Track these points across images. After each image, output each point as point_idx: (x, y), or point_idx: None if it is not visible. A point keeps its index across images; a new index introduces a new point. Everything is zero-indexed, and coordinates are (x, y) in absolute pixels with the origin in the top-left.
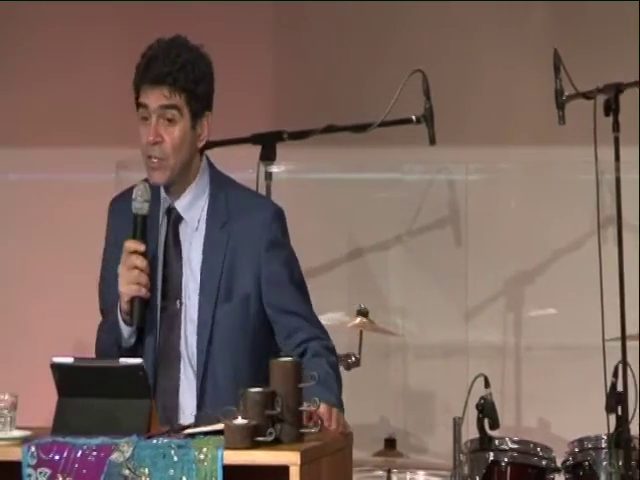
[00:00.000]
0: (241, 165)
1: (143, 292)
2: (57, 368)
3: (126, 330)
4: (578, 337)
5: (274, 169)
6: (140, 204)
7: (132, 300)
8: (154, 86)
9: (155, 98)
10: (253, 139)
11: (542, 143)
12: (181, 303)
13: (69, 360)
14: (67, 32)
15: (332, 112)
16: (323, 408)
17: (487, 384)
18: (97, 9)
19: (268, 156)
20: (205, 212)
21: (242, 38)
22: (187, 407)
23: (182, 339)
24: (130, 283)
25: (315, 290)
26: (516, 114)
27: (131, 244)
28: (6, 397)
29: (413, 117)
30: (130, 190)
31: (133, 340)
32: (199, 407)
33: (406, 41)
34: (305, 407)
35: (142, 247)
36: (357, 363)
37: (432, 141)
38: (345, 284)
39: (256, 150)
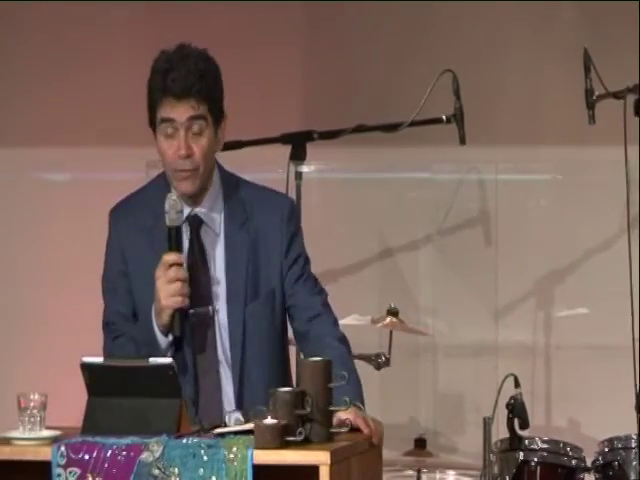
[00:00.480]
0: (271, 165)
1: (186, 303)
2: (87, 368)
3: (165, 343)
4: (608, 337)
5: (304, 169)
6: (174, 216)
7: (173, 312)
8: (181, 99)
9: (183, 111)
10: (283, 139)
11: (572, 143)
12: (212, 309)
13: (99, 360)
14: (97, 31)
15: (362, 112)
16: (360, 419)
17: (517, 384)
18: (126, 8)
19: (298, 156)
20: (223, 214)
21: (273, 38)
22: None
23: (219, 344)
24: (173, 296)
25: (345, 290)
26: (546, 114)
27: (170, 257)
28: (36, 397)
29: (443, 117)
30: (130, 198)
31: (171, 353)
32: (239, 408)
33: (436, 41)
34: (335, 407)
35: (182, 259)
36: (387, 363)
37: (462, 141)
38: (375, 284)
39: (286, 150)
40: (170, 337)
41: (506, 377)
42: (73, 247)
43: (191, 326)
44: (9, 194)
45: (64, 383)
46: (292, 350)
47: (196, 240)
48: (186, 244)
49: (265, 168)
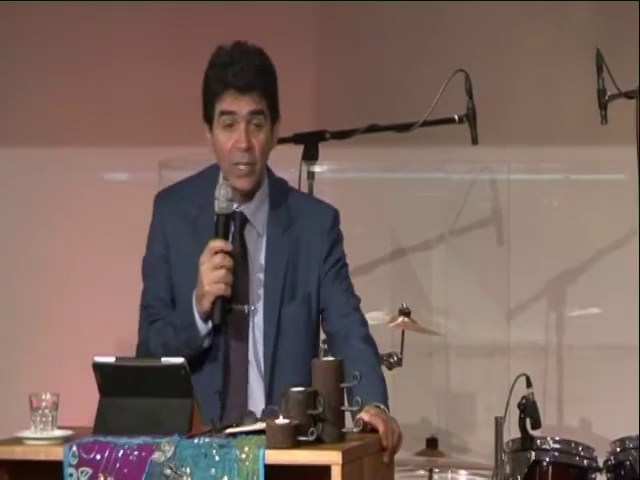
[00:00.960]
0: (284, 165)
1: (228, 291)
2: (99, 368)
3: (204, 329)
4: (620, 336)
5: (316, 169)
6: (224, 203)
7: (215, 299)
8: (244, 92)
9: (245, 104)
10: (295, 139)
11: (584, 142)
12: (249, 308)
13: (111, 360)
14: (112, 31)
15: (374, 112)
16: (383, 426)
17: (529, 384)
18: (141, 9)
19: (311, 156)
20: (267, 216)
21: (285, 39)
22: (257, 412)
23: (250, 344)
24: (217, 282)
25: (357, 289)
26: (558, 113)
27: (217, 243)
28: (47, 397)
29: (456, 117)
30: (177, 186)
31: (208, 342)
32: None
33: (449, 41)
34: (347, 407)
35: (228, 246)
36: (399, 363)
37: (474, 141)
38: (387, 283)
39: (298, 150)
40: (210, 324)
41: (518, 377)
42: (85, 247)
43: (227, 323)
44: (18, 194)
45: (76, 383)
46: None
47: (239, 238)
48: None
49: (277, 168)
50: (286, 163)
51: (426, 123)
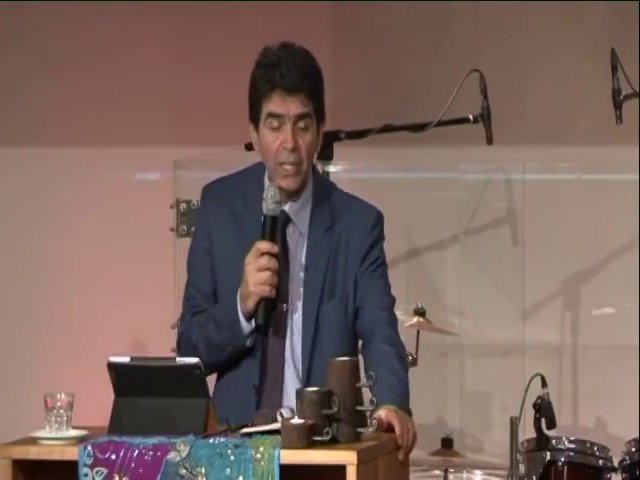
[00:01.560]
0: None
1: (273, 293)
2: (114, 368)
3: (247, 328)
4: (635, 336)
5: (331, 168)
6: (272, 205)
7: (259, 300)
8: (291, 94)
9: (293, 106)
10: None
11: (599, 142)
12: (288, 307)
13: (126, 360)
14: (126, 31)
15: (389, 112)
16: (399, 425)
17: (544, 383)
18: (157, 8)
19: (326, 155)
20: (310, 216)
21: (299, 38)
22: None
23: (287, 343)
24: (262, 284)
25: None
26: (573, 113)
27: (264, 245)
28: (62, 397)
29: (470, 116)
30: (225, 180)
31: (251, 341)
32: None
33: (463, 40)
34: (362, 407)
35: (275, 248)
36: (414, 362)
37: (489, 140)
38: (402, 283)
39: None
40: (253, 324)
41: (533, 377)
42: (101, 246)
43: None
44: (34, 194)
45: (91, 383)
46: None
47: (280, 237)
48: None
49: None
50: None
51: (441, 123)
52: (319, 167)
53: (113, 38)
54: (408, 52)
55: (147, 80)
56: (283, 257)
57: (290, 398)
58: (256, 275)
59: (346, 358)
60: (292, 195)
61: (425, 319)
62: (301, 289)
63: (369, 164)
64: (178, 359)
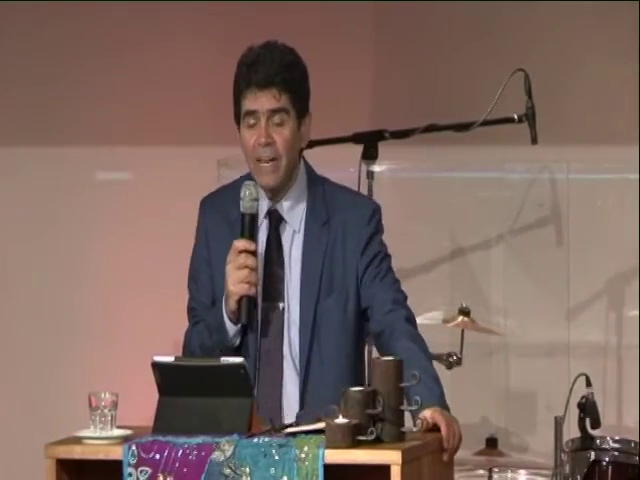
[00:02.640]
0: (343, 164)
1: (252, 291)
2: (158, 367)
3: (232, 330)
4: None
5: (376, 168)
6: (248, 203)
7: (240, 299)
8: (263, 89)
9: (265, 101)
10: (355, 138)
11: None
12: (283, 305)
13: (170, 359)
14: (167, 31)
15: (433, 111)
16: (445, 427)
17: (588, 383)
18: (198, 8)
19: (370, 155)
20: (305, 213)
21: (343, 38)
22: (290, 408)
23: (285, 340)
24: (240, 282)
25: (417, 289)
26: (618, 113)
27: (241, 243)
28: (107, 396)
29: (515, 116)
30: (221, 190)
31: (237, 341)
32: (302, 407)
33: (508, 40)
34: (406, 407)
35: (252, 246)
36: (458, 362)
37: (534, 140)
38: (447, 283)
39: (357, 149)
40: (239, 325)
41: (577, 376)
42: (143, 247)
43: (260, 320)
44: (79, 194)
45: (135, 382)
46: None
47: (274, 235)
48: (264, 238)
49: (337, 167)
50: (345, 163)
51: (485, 123)
52: (363, 167)
53: (163, 38)
54: (453, 52)
55: (191, 79)
56: (277, 255)
57: (289, 394)
58: (235, 274)
59: (390, 358)
60: (279, 192)
61: (470, 319)
62: (298, 286)
63: (413, 164)
64: (222, 359)
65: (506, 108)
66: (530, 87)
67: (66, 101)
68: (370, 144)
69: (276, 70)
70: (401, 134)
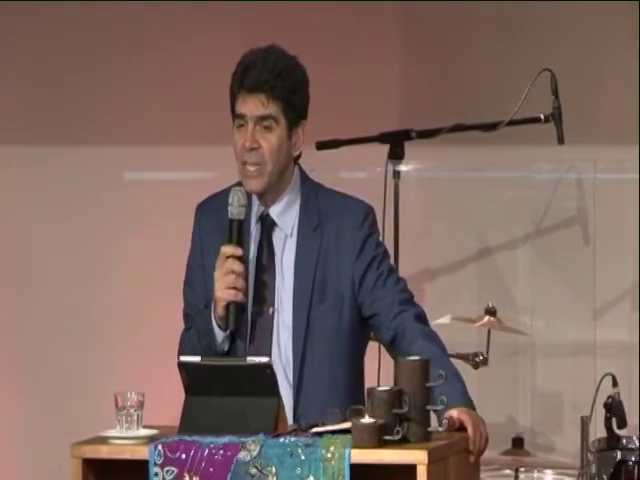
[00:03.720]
0: (369, 164)
1: (240, 297)
2: (185, 367)
3: (220, 336)
4: None
5: (402, 168)
6: (236, 209)
7: (228, 305)
8: (251, 93)
9: (253, 106)
10: (381, 138)
11: None
12: (274, 309)
13: (196, 359)
14: (191, 30)
15: (460, 111)
16: (472, 428)
17: (615, 383)
18: (221, 7)
19: (396, 155)
20: (298, 218)
21: (370, 38)
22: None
23: (275, 347)
24: (227, 288)
25: (443, 288)
26: None
27: (228, 249)
28: (133, 396)
29: (542, 116)
30: (217, 195)
31: (226, 346)
32: (295, 413)
33: (534, 40)
34: (432, 407)
35: (239, 251)
36: (485, 362)
37: (560, 140)
38: (474, 283)
39: (383, 149)
40: (228, 331)
41: (604, 376)
42: (168, 247)
43: (250, 325)
44: (107, 194)
45: (161, 382)
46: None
47: (266, 240)
48: (255, 243)
49: (363, 167)
50: (372, 162)
51: (512, 122)
52: (390, 166)
53: (180, 38)
54: (479, 51)
55: (221, 79)
56: (268, 260)
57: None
58: (222, 279)
59: (416, 357)
60: (268, 197)
61: (496, 318)
62: (290, 291)
63: (440, 163)
64: (249, 358)
65: (533, 108)
66: (557, 87)
67: (95, 101)
68: (396, 144)
69: (266, 76)
70: (428, 134)
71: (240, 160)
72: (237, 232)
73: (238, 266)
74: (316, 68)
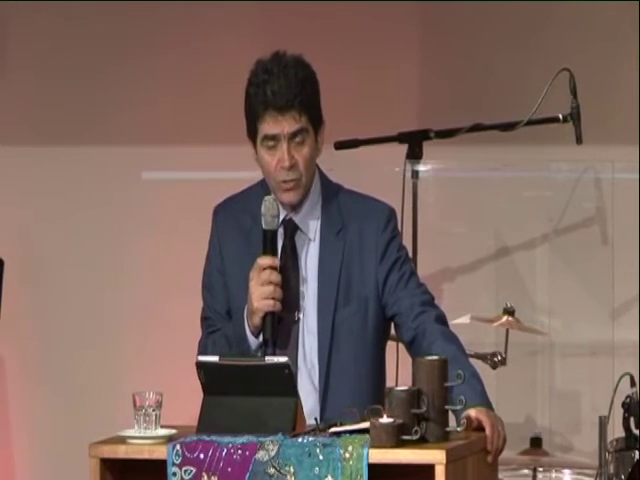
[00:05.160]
0: (388, 164)
1: (277, 307)
2: (203, 367)
3: (254, 343)
4: None
5: (421, 167)
6: (270, 219)
7: (265, 315)
8: (283, 112)
9: (286, 125)
10: (400, 138)
11: None
12: (299, 315)
13: (215, 359)
14: (212, 31)
15: (478, 110)
16: (490, 428)
17: (633, 383)
18: (242, 9)
19: (415, 154)
20: (320, 221)
21: (389, 38)
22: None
23: (300, 352)
24: (265, 298)
25: (461, 288)
26: None
27: (265, 260)
28: (151, 396)
29: (560, 116)
30: (234, 198)
31: (261, 353)
32: (321, 417)
33: (552, 39)
34: (451, 406)
35: (276, 262)
36: (503, 362)
37: (579, 140)
38: (492, 282)
39: (402, 149)
40: (260, 338)
41: (622, 376)
42: (190, 246)
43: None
44: (125, 193)
45: (179, 381)
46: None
47: (289, 244)
48: (280, 246)
49: (381, 167)
50: (390, 162)
51: (530, 122)
52: (408, 166)
53: (193, 41)
54: (498, 51)
55: (238, 78)
56: (292, 265)
57: (305, 405)
58: (259, 290)
59: (435, 357)
60: (295, 204)
61: (514, 318)
62: (314, 296)
63: (458, 163)
64: (267, 358)
65: (551, 108)
66: (575, 87)
67: (113, 100)
68: (415, 143)
69: (294, 92)
70: (446, 133)
71: (276, 179)
72: (271, 242)
73: (276, 277)
74: (335, 68)
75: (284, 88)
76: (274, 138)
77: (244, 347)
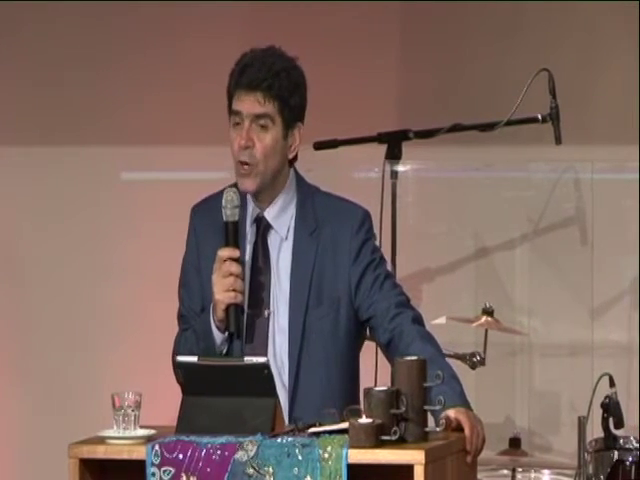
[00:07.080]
0: (367, 164)
1: (239, 299)
2: (182, 367)
3: (219, 337)
4: None
5: (400, 168)
6: (230, 211)
7: (227, 307)
8: (248, 92)
9: (249, 104)
10: (379, 138)
11: None
12: (269, 312)
13: (194, 359)
14: (194, 30)
15: (458, 111)
16: (469, 428)
17: (612, 383)
18: (225, 9)
19: (394, 155)
20: (294, 221)
21: (368, 38)
22: None
23: (270, 349)
24: (226, 290)
25: (441, 288)
26: None
27: (225, 251)
28: (130, 396)
29: (539, 116)
30: (212, 197)
31: (225, 348)
32: (290, 416)
33: (532, 40)
34: (430, 407)
35: (236, 253)
36: (482, 362)
37: (558, 140)
38: (471, 283)
39: (381, 149)
40: (226, 333)
41: (601, 376)
42: (170, 246)
43: (245, 327)
44: (104, 194)
45: (158, 382)
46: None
47: (261, 243)
48: (250, 245)
49: (361, 167)
50: (369, 162)
51: (510, 122)
52: (387, 166)
53: (184, 37)
54: (477, 51)
55: (218, 79)
56: (264, 262)
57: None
58: (220, 282)
59: (414, 357)
60: (263, 198)
61: (493, 318)
62: (286, 294)
63: (438, 163)
64: (246, 358)
65: (530, 108)
66: (554, 87)
67: (91, 101)
68: (394, 144)
69: (264, 75)
70: (425, 134)
71: (236, 158)
72: (233, 234)
73: (236, 268)
74: (314, 68)
75: (256, 70)
76: (238, 114)
77: (209, 342)
